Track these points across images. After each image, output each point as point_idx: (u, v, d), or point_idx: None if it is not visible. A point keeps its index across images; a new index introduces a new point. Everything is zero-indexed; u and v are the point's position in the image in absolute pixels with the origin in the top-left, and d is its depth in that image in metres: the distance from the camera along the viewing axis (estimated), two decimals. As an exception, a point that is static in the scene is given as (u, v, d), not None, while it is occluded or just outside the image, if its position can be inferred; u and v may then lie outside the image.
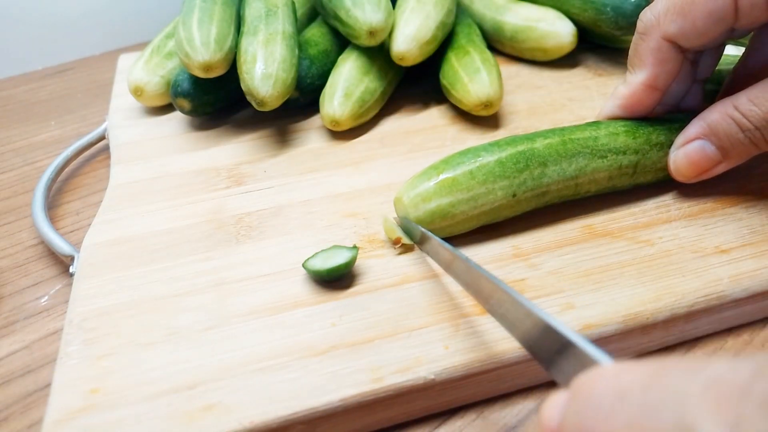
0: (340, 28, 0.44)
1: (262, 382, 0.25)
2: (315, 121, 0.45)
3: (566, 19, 0.49)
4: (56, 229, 0.37)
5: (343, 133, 0.43)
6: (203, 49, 0.39)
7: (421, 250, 0.31)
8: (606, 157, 0.32)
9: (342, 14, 0.42)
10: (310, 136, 0.43)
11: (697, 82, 0.36)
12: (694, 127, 0.32)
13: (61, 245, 0.35)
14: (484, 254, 0.31)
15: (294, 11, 0.45)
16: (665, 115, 0.36)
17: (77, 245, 0.34)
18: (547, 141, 0.32)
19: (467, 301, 0.28)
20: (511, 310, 0.23)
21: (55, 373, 0.26)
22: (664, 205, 0.34)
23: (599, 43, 0.53)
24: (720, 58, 0.36)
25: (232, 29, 0.42)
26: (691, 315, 0.28)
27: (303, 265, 0.30)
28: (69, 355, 0.27)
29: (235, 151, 0.42)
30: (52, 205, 0.42)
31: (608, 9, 0.47)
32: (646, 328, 0.27)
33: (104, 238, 0.34)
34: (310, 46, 0.46)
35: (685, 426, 0.13)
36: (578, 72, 0.50)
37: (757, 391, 0.12)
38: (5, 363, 0.31)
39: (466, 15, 0.53)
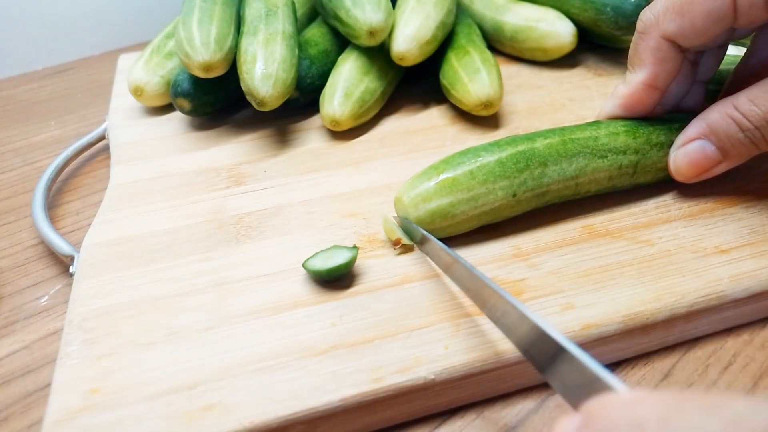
0: (340, 28, 0.44)
1: (262, 382, 0.25)
2: (315, 121, 0.45)
3: (566, 19, 0.49)
4: (56, 229, 0.37)
5: (343, 133, 0.43)
6: (203, 49, 0.39)
7: (421, 250, 0.31)
8: (606, 156, 0.32)
9: (342, 14, 0.42)
10: (310, 136, 0.43)
11: (698, 82, 0.36)
12: (694, 127, 0.32)
13: (61, 245, 0.35)
14: (484, 254, 0.31)
15: (294, 11, 0.45)
16: (665, 115, 0.36)
17: (77, 245, 0.34)
18: (548, 141, 0.32)
19: (467, 301, 0.28)
20: (507, 315, 0.23)
21: (55, 373, 0.26)
22: (664, 205, 0.34)
23: (599, 43, 0.53)
24: (722, 59, 0.36)
25: (232, 29, 0.42)
26: (691, 315, 0.28)
27: (303, 265, 0.30)
28: (69, 355, 0.27)
29: (235, 151, 0.42)
30: (52, 205, 0.42)
31: (608, 9, 0.47)
32: (646, 328, 0.27)
33: (104, 238, 0.34)
34: (310, 46, 0.46)
35: None
36: (578, 72, 0.50)
37: None
38: (5, 363, 0.31)
39: (466, 15, 0.53)
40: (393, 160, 0.40)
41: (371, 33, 0.41)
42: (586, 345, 0.27)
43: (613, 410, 0.16)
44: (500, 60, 0.53)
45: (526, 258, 0.31)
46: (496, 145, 0.32)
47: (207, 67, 0.39)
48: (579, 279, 0.29)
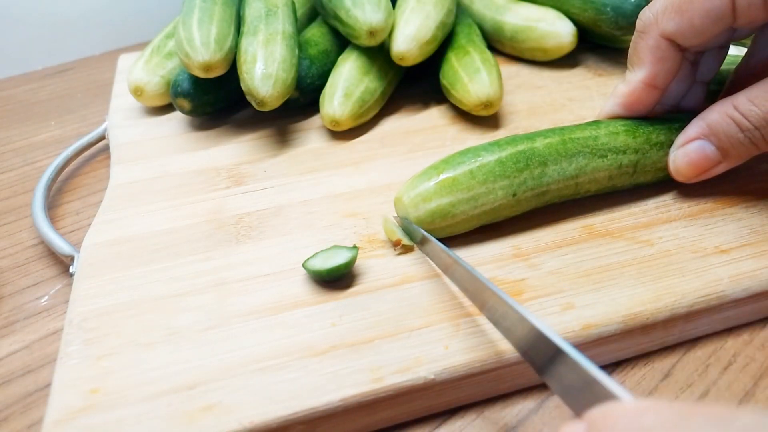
0: (340, 28, 0.44)
1: (262, 382, 0.25)
2: (315, 121, 0.45)
3: (566, 19, 0.49)
4: (56, 229, 0.37)
5: (343, 133, 0.43)
6: (203, 49, 0.39)
7: (422, 251, 0.31)
8: (606, 156, 0.32)
9: (342, 14, 0.42)
10: (310, 136, 0.43)
11: (699, 83, 0.36)
12: (694, 127, 0.32)
13: (61, 245, 0.35)
14: (484, 254, 0.31)
15: (294, 11, 0.45)
16: (665, 114, 0.36)
17: (77, 245, 0.34)
18: (547, 140, 0.32)
19: (467, 301, 0.28)
20: (507, 316, 0.23)
21: (55, 373, 0.26)
22: (664, 205, 0.34)
23: (599, 43, 0.53)
24: (723, 60, 0.36)
25: (232, 29, 0.42)
26: (691, 315, 0.28)
27: (303, 265, 0.30)
28: (69, 355, 0.27)
29: (235, 151, 0.42)
30: (52, 205, 0.42)
31: (608, 9, 0.47)
32: (646, 328, 0.27)
33: (104, 238, 0.34)
34: (310, 46, 0.46)
35: None
36: (578, 72, 0.50)
37: None
38: (5, 363, 0.31)
39: (466, 15, 0.53)
40: (393, 160, 0.40)
41: (371, 33, 0.41)
42: (586, 345, 0.27)
43: (618, 420, 0.15)
44: (500, 60, 0.53)
45: (526, 258, 0.31)
46: (496, 144, 0.32)
47: (207, 67, 0.39)
48: (579, 279, 0.29)
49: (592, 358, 0.27)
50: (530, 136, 0.32)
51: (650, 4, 0.32)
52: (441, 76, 0.45)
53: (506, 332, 0.24)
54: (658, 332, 0.28)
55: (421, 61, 0.44)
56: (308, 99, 0.45)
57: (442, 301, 0.28)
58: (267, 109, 0.39)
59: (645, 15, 0.32)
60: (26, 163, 0.48)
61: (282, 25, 0.41)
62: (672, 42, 0.32)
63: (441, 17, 0.44)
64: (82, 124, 0.53)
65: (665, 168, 0.34)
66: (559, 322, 0.27)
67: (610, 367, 0.28)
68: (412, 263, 0.31)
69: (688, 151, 0.32)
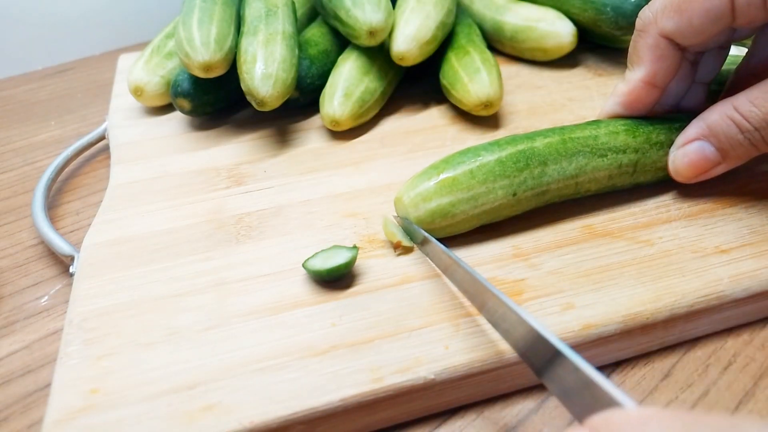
0: (340, 28, 0.44)
1: (262, 382, 0.25)
2: (315, 121, 0.45)
3: (566, 19, 0.49)
4: (56, 229, 0.37)
5: (343, 133, 0.43)
6: (203, 49, 0.39)
7: (422, 251, 0.31)
8: (606, 155, 0.32)
9: (342, 14, 0.42)
10: (310, 136, 0.43)
11: (700, 84, 0.36)
12: (694, 128, 0.32)
13: (61, 245, 0.35)
14: (484, 254, 0.31)
15: (294, 11, 0.45)
16: (666, 114, 0.36)
17: (77, 245, 0.34)
18: (547, 140, 0.32)
19: (468, 301, 0.28)
20: (505, 318, 0.23)
21: (55, 373, 0.26)
22: (664, 205, 0.34)
23: (599, 43, 0.53)
24: (724, 61, 0.36)
25: (232, 29, 0.42)
26: (691, 315, 0.28)
27: (303, 265, 0.30)
28: (69, 355, 0.27)
29: (235, 151, 0.42)
30: (52, 205, 0.42)
31: (608, 9, 0.47)
32: (646, 328, 0.27)
33: (104, 238, 0.34)
34: (310, 46, 0.46)
35: None
36: (578, 72, 0.50)
37: None
38: (5, 363, 0.31)
39: (466, 15, 0.53)
40: (393, 160, 0.40)
41: (371, 33, 0.41)
42: (586, 345, 0.27)
43: (621, 427, 0.15)
44: (500, 60, 0.53)
45: (526, 258, 0.31)
46: (496, 144, 0.32)
47: (207, 67, 0.39)
48: (579, 279, 0.29)
49: (592, 358, 0.28)
50: (530, 136, 0.32)
51: (650, 3, 0.32)
52: (441, 76, 0.45)
53: (505, 334, 0.24)
54: (658, 332, 0.28)
55: (421, 61, 0.44)
56: (308, 99, 0.45)
57: (442, 301, 0.28)
58: (267, 109, 0.39)
59: (644, 14, 0.32)
60: (26, 163, 0.48)
61: (282, 25, 0.41)
62: (671, 41, 0.32)
63: (441, 17, 0.44)
64: (82, 124, 0.53)
65: (665, 167, 0.34)
66: (559, 322, 0.27)
67: (610, 367, 0.28)
68: (412, 263, 0.31)
69: (688, 151, 0.32)
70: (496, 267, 0.30)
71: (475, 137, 0.42)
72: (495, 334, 0.26)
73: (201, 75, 0.40)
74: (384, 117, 0.45)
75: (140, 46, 0.67)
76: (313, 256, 0.30)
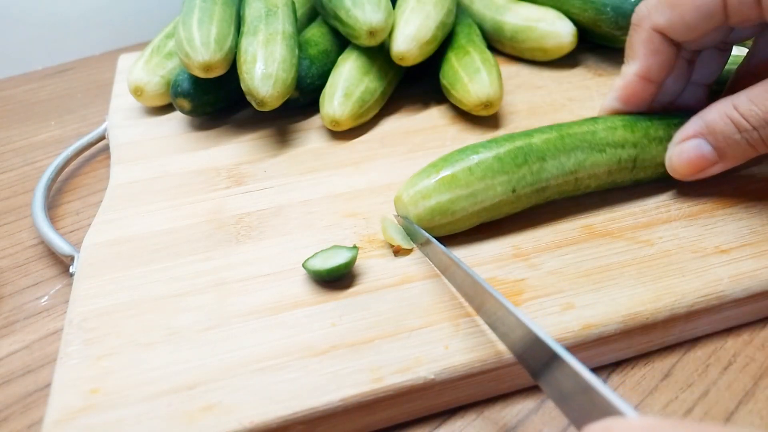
0: (340, 28, 0.44)
1: (262, 382, 0.25)
2: (315, 121, 0.45)
3: (566, 19, 0.49)
4: (56, 229, 0.37)
5: (343, 133, 0.43)
6: (203, 49, 0.39)
7: (422, 251, 0.31)
8: (604, 150, 0.32)
9: (342, 14, 0.42)
10: (310, 136, 0.43)
11: (701, 86, 0.36)
12: (692, 125, 0.32)
13: (61, 245, 0.35)
14: (484, 254, 0.31)
15: (294, 11, 0.45)
16: (664, 111, 0.36)
17: (77, 245, 0.34)
18: (545, 136, 0.32)
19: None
20: (504, 320, 0.23)
21: (55, 373, 0.26)
22: (664, 205, 0.34)
23: (599, 43, 0.53)
24: (725, 63, 0.36)
25: (232, 29, 0.42)
26: (691, 315, 0.28)
27: (303, 265, 0.30)
28: (69, 355, 0.27)
29: (235, 151, 0.42)
30: (52, 205, 0.42)
31: (608, 9, 0.47)
32: (646, 328, 0.27)
33: (104, 238, 0.34)
34: (310, 46, 0.46)
35: None
36: (578, 72, 0.50)
37: None
38: (5, 363, 0.31)
39: (466, 15, 0.53)
40: (393, 160, 0.40)
41: (371, 33, 0.41)
42: (586, 345, 0.27)
43: None
44: (500, 60, 0.53)
45: (526, 258, 0.31)
46: (494, 141, 0.32)
47: (207, 67, 0.40)
48: (579, 279, 0.29)
49: (592, 358, 0.28)
50: (527, 133, 0.33)
51: None
52: (441, 76, 0.45)
53: (503, 336, 0.24)
54: (658, 332, 0.28)
55: (421, 61, 0.44)
56: (308, 99, 0.45)
57: (442, 301, 0.28)
58: (267, 109, 0.39)
59: (640, 9, 0.33)
60: (26, 163, 0.48)
61: (282, 25, 0.41)
62: (665, 36, 0.32)
63: (441, 17, 0.44)
64: (82, 124, 0.53)
65: (665, 163, 0.34)
66: (558, 322, 0.27)
67: (610, 367, 0.28)
68: (412, 263, 0.31)
69: (685, 149, 0.32)
70: (496, 267, 0.30)
71: (475, 137, 0.42)
72: (495, 335, 0.26)
73: (201, 75, 0.40)
74: (384, 117, 0.45)
75: (140, 46, 0.67)
76: (313, 256, 0.30)
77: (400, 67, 0.46)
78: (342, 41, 0.47)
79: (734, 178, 0.35)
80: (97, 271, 0.31)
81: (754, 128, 0.29)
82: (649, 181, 0.35)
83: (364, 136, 0.43)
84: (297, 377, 0.25)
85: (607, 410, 0.17)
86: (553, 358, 0.20)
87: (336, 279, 0.30)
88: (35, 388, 0.29)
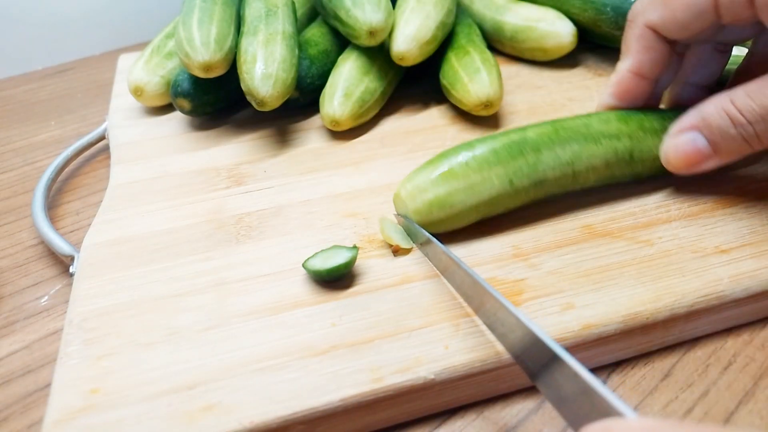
0: (340, 28, 0.44)
1: (262, 382, 0.25)
2: (315, 121, 0.45)
3: (566, 19, 0.49)
4: (56, 229, 0.37)
5: (343, 133, 0.43)
6: (203, 49, 0.39)
7: (422, 251, 0.31)
8: (600, 141, 0.33)
9: (342, 14, 0.42)
10: (310, 136, 0.43)
11: (702, 87, 0.36)
12: (689, 117, 0.31)
13: (61, 245, 0.35)
14: (484, 254, 0.31)
15: (294, 11, 0.45)
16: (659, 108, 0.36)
17: (77, 245, 0.34)
18: (540, 130, 0.33)
19: (467, 301, 0.28)
20: (504, 320, 0.23)
21: (55, 373, 0.26)
22: (664, 205, 0.34)
23: (599, 43, 0.53)
24: (725, 65, 0.36)
25: (232, 29, 0.42)
26: (691, 315, 0.28)
27: (303, 265, 0.30)
28: (69, 355, 0.27)
29: (235, 151, 0.42)
30: (52, 205, 0.42)
31: (608, 9, 0.47)
32: (646, 328, 0.27)
33: (104, 238, 0.34)
34: (310, 46, 0.46)
35: None
36: (578, 72, 0.50)
37: None
38: (5, 363, 0.31)
39: (466, 15, 0.53)
40: (393, 160, 0.40)
41: (371, 33, 0.41)
42: (586, 345, 0.27)
43: None
44: (500, 60, 0.53)
45: (526, 258, 0.31)
46: (490, 137, 0.32)
47: (207, 67, 0.40)
48: (579, 279, 0.29)
49: (591, 358, 0.28)
50: (522, 128, 0.33)
51: None
52: (441, 76, 0.45)
53: (502, 336, 0.24)
54: (658, 332, 0.28)
55: (421, 61, 0.44)
56: (308, 99, 0.45)
57: (442, 301, 0.28)
58: (267, 109, 0.39)
59: (635, 5, 0.33)
60: (26, 163, 0.48)
61: (282, 25, 0.41)
62: (658, 33, 0.32)
63: (441, 17, 0.44)
64: (82, 124, 0.53)
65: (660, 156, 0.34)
66: (558, 322, 0.27)
67: (610, 367, 0.28)
68: (412, 263, 0.31)
69: (680, 142, 0.31)
70: (496, 267, 0.30)
71: (475, 137, 0.42)
72: (493, 335, 0.26)
73: (201, 75, 0.40)
74: (384, 117, 0.45)
75: (140, 46, 0.67)
76: (313, 256, 0.30)
77: (400, 67, 0.46)
78: (342, 41, 0.47)
79: (734, 178, 0.35)
80: (97, 271, 0.31)
81: (750, 123, 0.28)
82: (649, 177, 0.35)
83: (364, 136, 0.43)
84: (297, 377, 0.25)
85: (606, 411, 0.17)
86: (553, 359, 0.20)
87: (336, 279, 0.30)
88: (35, 388, 0.29)
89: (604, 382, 0.28)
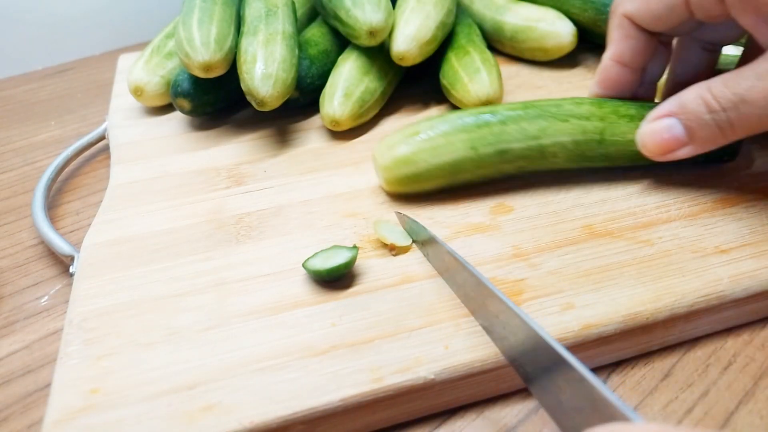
0: (340, 28, 0.44)
1: (262, 382, 0.25)
2: (315, 121, 0.45)
3: (566, 19, 0.49)
4: (56, 229, 0.37)
5: (343, 133, 0.43)
6: (203, 49, 0.39)
7: (422, 251, 0.31)
8: (568, 120, 0.33)
9: (342, 14, 0.42)
10: (310, 136, 0.43)
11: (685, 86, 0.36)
12: (668, 104, 0.31)
13: (61, 245, 0.35)
14: (483, 254, 0.31)
15: (294, 11, 0.45)
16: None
17: (77, 245, 0.34)
18: (510, 106, 0.34)
19: (467, 301, 0.28)
20: (506, 322, 0.23)
21: (55, 373, 0.26)
22: (664, 205, 0.34)
23: (599, 43, 0.53)
24: (713, 65, 0.36)
25: (232, 29, 0.42)
26: (691, 315, 0.28)
27: (303, 265, 0.30)
28: (69, 355, 0.27)
29: (235, 151, 0.42)
30: (52, 205, 0.42)
31: (608, 9, 0.47)
32: (646, 327, 0.27)
33: (104, 238, 0.34)
34: (310, 46, 0.46)
35: None
36: (578, 72, 0.50)
37: None
38: (5, 363, 0.31)
39: (466, 15, 0.53)
40: (393, 160, 0.40)
41: (371, 33, 0.41)
42: (586, 345, 0.27)
43: None
44: (500, 60, 0.53)
45: (526, 258, 0.31)
46: (464, 111, 0.35)
47: (207, 67, 0.39)
48: (579, 279, 0.29)
49: (591, 358, 0.28)
50: (496, 105, 0.35)
51: None
52: (441, 76, 0.45)
53: (500, 339, 0.24)
54: (658, 332, 0.28)
55: (421, 61, 0.44)
56: (308, 99, 0.45)
57: (442, 301, 0.28)
58: (267, 109, 0.39)
59: None
60: (26, 163, 0.48)
61: (282, 25, 0.41)
62: (634, 22, 0.33)
63: (441, 17, 0.44)
64: (82, 124, 0.53)
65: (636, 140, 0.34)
66: (558, 322, 0.27)
67: (610, 367, 0.28)
68: (412, 263, 0.31)
69: (657, 127, 0.31)
70: (495, 267, 0.30)
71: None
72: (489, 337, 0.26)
73: (201, 75, 0.40)
74: (384, 117, 0.45)
75: (140, 46, 0.67)
76: (313, 256, 0.30)
77: (400, 67, 0.46)
78: (342, 41, 0.47)
79: (735, 177, 0.35)
80: (97, 271, 0.31)
81: (723, 109, 0.28)
82: (624, 162, 0.35)
83: (364, 136, 0.43)
84: (297, 377, 0.25)
85: (611, 416, 0.17)
86: (556, 362, 0.20)
87: (336, 279, 0.30)
88: (35, 388, 0.29)
89: (604, 382, 0.28)
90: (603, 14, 0.48)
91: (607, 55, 0.35)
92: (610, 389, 0.18)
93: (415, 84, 0.49)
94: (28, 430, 0.28)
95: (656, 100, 0.37)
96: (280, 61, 0.39)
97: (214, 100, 0.45)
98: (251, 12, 0.42)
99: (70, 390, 0.25)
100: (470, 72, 0.42)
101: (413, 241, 0.32)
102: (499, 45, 0.53)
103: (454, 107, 0.45)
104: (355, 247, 0.30)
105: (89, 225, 0.35)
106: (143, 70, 0.46)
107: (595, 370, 0.28)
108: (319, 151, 0.41)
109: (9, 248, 0.39)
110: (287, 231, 0.34)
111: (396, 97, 0.47)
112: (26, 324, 0.33)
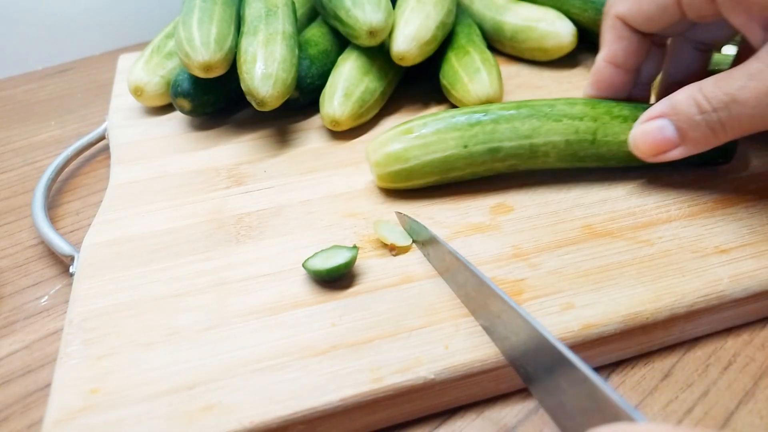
0: (340, 28, 0.44)
1: (262, 382, 0.25)
2: (315, 121, 0.45)
3: (566, 19, 0.49)
4: (56, 229, 0.37)
5: (343, 133, 0.43)
6: (203, 49, 0.39)
7: (422, 252, 0.31)
8: (561, 120, 0.34)
9: (342, 14, 0.42)
10: (310, 136, 0.43)
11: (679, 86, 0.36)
12: (660, 105, 0.31)
13: (61, 245, 0.35)
14: (483, 254, 0.31)
15: (294, 11, 0.45)
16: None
17: (77, 245, 0.34)
18: (503, 106, 0.35)
19: (467, 301, 0.28)
20: (507, 322, 0.23)
21: (55, 373, 0.26)
22: (664, 205, 0.34)
23: (599, 43, 0.53)
24: (705, 65, 0.36)
25: (232, 29, 0.42)
26: (691, 315, 0.28)
27: (303, 265, 0.30)
28: (69, 355, 0.27)
29: (235, 151, 0.42)
30: (52, 205, 0.42)
31: (608, 9, 0.47)
32: (646, 327, 0.27)
33: (104, 238, 0.34)
34: (310, 46, 0.46)
35: None
36: (578, 72, 0.50)
37: None
38: (5, 363, 0.31)
39: (466, 15, 0.53)
40: (393, 160, 0.40)
41: (371, 33, 0.41)
42: (586, 345, 0.27)
43: None
44: (500, 60, 0.53)
45: (526, 258, 0.31)
46: (456, 110, 0.35)
47: (207, 67, 0.39)
48: (579, 279, 0.29)
49: (591, 358, 0.28)
50: (488, 104, 0.35)
51: None
52: (441, 76, 0.45)
53: (501, 339, 0.24)
54: (658, 332, 0.28)
55: (421, 61, 0.44)
56: (308, 99, 0.45)
57: (442, 301, 0.28)
58: (267, 109, 0.39)
59: None
60: (26, 163, 0.48)
61: (282, 25, 0.41)
62: (627, 23, 0.33)
63: (441, 17, 0.44)
64: (82, 124, 0.53)
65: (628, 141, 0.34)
66: (558, 322, 0.27)
67: (610, 367, 0.28)
68: (412, 263, 0.31)
69: (649, 128, 0.31)
70: (495, 267, 0.30)
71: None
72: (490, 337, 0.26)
73: (201, 75, 0.40)
74: (384, 117, 0.45)
75: (140, 46, 0.67)
76: (313, 256, 0.30)
77: (400, 67, 0.46)
78: (342, 41, 0.47)
79: (734, 178, 0.35)
80: (97, 271, 0.31)
81: (714, 110, 0.28)
82: (617, 163, 0.35)
83: (364, 136, 0.43)
84: (297, 377, 0.25)
85: (614, 416, 0.17)
86: (559, 362, 0.20)
87: (336, 279, 0.30)
88: (35, 388, 0.29)
89: (604, 382, 0.28)
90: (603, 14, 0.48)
91: (601, 57, 0.35)
92: (615, 390, 0.18)
93: (415, 84, 0.49)
94: (28, 430, 0.28)
95: (651, 102, 0.37)
96: (280, 61, 0.39)
97: (214, 100, 0.45)
98: (251, 12, 0.42)
99: (70, 390, 0.25)
100: (470, 72, 0.42)
101: (413, 241, 0.32)
102: (499, 45, 0.53)
103: (454, 107, 0.45)
104: (355, 247, 0.30)
105: (89, 225, 0.35)
106: (143, 70, 0.46)
107: (596, 370, 0.28)
108: (319, 151, 0.41)
109: (9, 248, 0.39)
110: (287, 231, 0.34)
111: (396, 97, 0.47)
112: (26, 324, 0.33)
